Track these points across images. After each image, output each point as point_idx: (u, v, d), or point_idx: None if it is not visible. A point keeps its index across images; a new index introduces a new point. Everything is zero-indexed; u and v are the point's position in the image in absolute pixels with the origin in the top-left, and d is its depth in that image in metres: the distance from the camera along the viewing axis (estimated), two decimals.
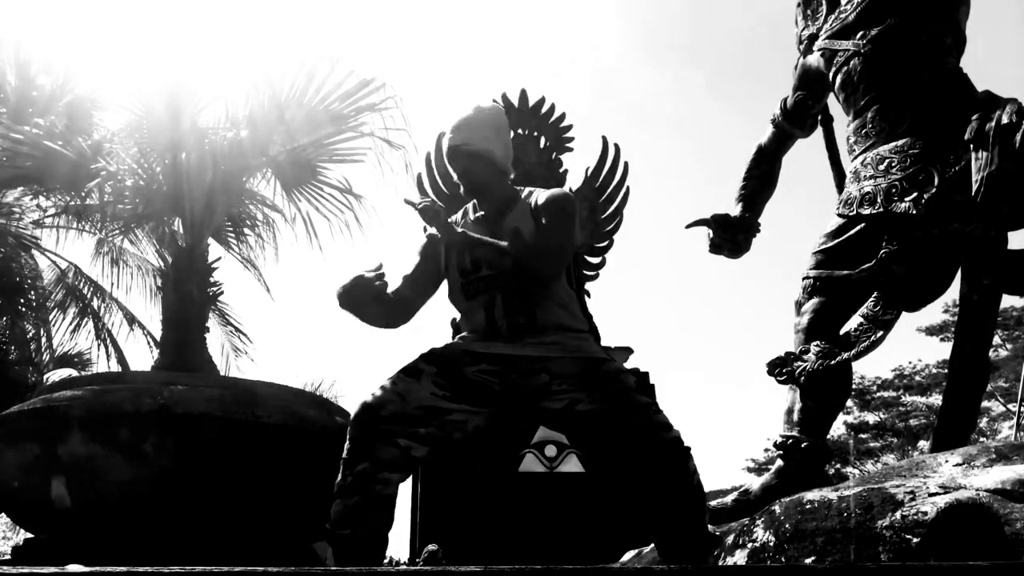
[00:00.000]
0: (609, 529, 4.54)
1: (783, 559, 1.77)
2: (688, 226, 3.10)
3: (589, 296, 5.91)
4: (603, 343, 4.86)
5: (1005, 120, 2.33)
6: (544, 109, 6.24)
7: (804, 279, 2.77)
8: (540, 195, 2.06)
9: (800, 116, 3.07)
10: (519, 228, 1.94)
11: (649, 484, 1.84)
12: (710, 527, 2.21)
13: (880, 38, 2.66)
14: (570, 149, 6.27)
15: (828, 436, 2.82)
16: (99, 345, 7.30)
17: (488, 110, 2.11)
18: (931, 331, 18.49)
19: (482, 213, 2.10)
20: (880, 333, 2.54)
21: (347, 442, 1.89)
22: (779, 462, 2.68)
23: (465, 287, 2.01)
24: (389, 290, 1.99)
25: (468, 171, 2.06)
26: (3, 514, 5.35)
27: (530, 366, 1.91)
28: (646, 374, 5.24)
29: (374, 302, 1.94)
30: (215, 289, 4.71)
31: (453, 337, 2.14)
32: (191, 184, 4.37)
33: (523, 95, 6.22)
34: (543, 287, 1.96)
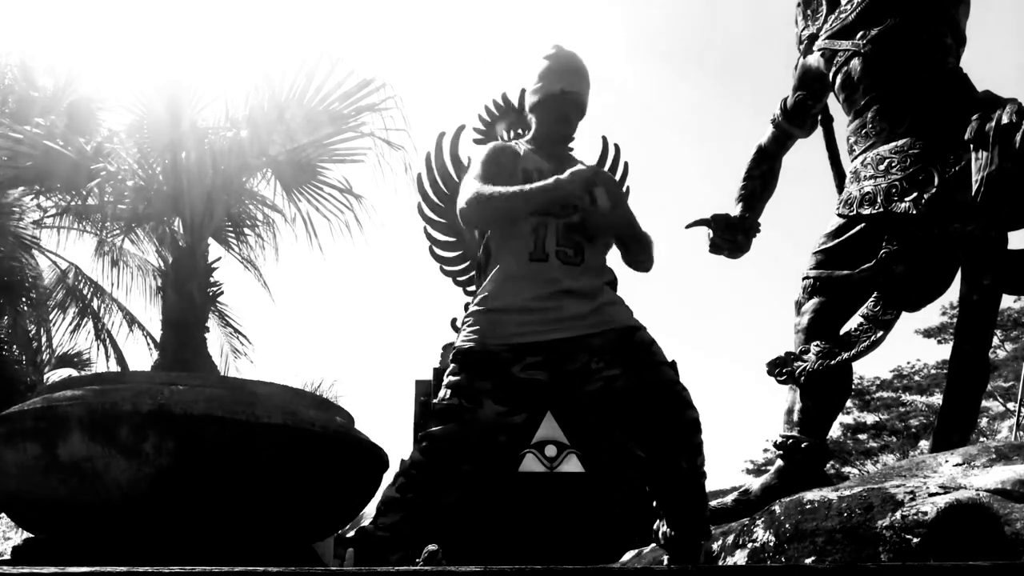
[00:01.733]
0: (609, 529, 4.54)
1: (783, 559, 1.77)
2: (688, 226, 3.09)
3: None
4: None
5: (1005, 120, 2.33)
6: None
7: (804, 279, 2.77)
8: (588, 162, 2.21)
9: (800, 116, 3.07)
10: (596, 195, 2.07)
11: (668, 459, 1.89)
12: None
13: (880, 38, 2.66)
14: (570, 149, 6.27)
15: (828, 436, 2.82)
16: (99, 345, 7.32)
17: (581, 57, 2.20)
18: (929, 333, 18.51)
19: (545, 151, 2.16)
20: (880, 333, 2.54)
21: (413, 466, 1.92)
22: (779, 462, 2.68)
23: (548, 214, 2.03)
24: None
25: (567, 119, 2.16)
26: (3, 514, 5.35)
27: (571, 347, 1.94)
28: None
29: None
30: (215, 289, 4.71)
31: (456, 330, 2.14)
32: (191, 184, 4.37)
33: (523, 95, 6.21)
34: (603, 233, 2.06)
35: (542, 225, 2.00)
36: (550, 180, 1.94)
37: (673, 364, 2.04)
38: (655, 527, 2.01)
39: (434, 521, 1.92)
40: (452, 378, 1.98)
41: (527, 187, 1.96)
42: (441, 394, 2.00)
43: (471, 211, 1.97)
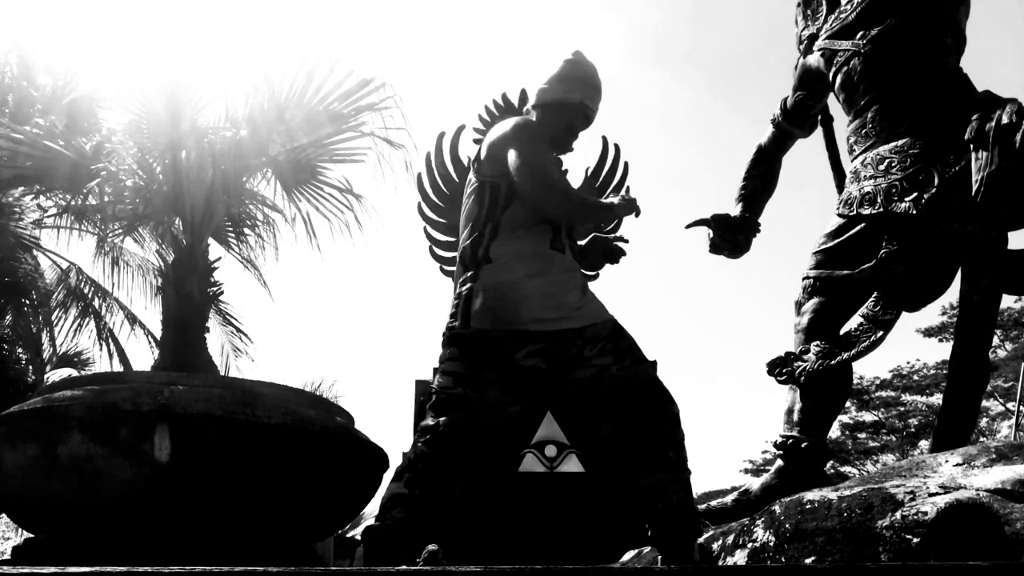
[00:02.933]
0: (609, 529, 4.54)
1: (783, 559, 1.77)
2: (688, 226, 3.09)
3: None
4: None
5: (1005, 120, 2.33)
6: None
7: (804, 279, 2.77)
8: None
9: (800, 116, 3.06)
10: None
11: (650, 453, 1.91)
12: (705, 522, 2.23)
13: (880, 38, 2.66)
14: (570, 149, 6.27)
15: (828, 436, 2.82)
16: (100, 345, 7.32)
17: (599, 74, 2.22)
18: (929, 332, 18.50)
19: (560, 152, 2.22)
20: (880, 333, 2.54)
21: (419, 459, 1.90)
22: (779, 462, 2.68)
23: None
24: None
25: (575, 131, 2.19)
26: (3, 514, 5.35)
27: (568, 337, 1.96)
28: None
29: None
30: (215, 289, 4.71)
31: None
32: (191, 184, 4.37)
33: (523, 95, 6.20)
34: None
35: (558, 223, 2.05)
36: (618, 201, 2.08)
37: (653, 364, 2.09)
38: (647, 525, 2.01)
39: (442, 515, 1.91)
40: (452, 365, 1.95)
41: (607, 203, 2.11)
42: (440, 381, 1.96)
43: (551, 202, 2.00)
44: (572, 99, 2.10)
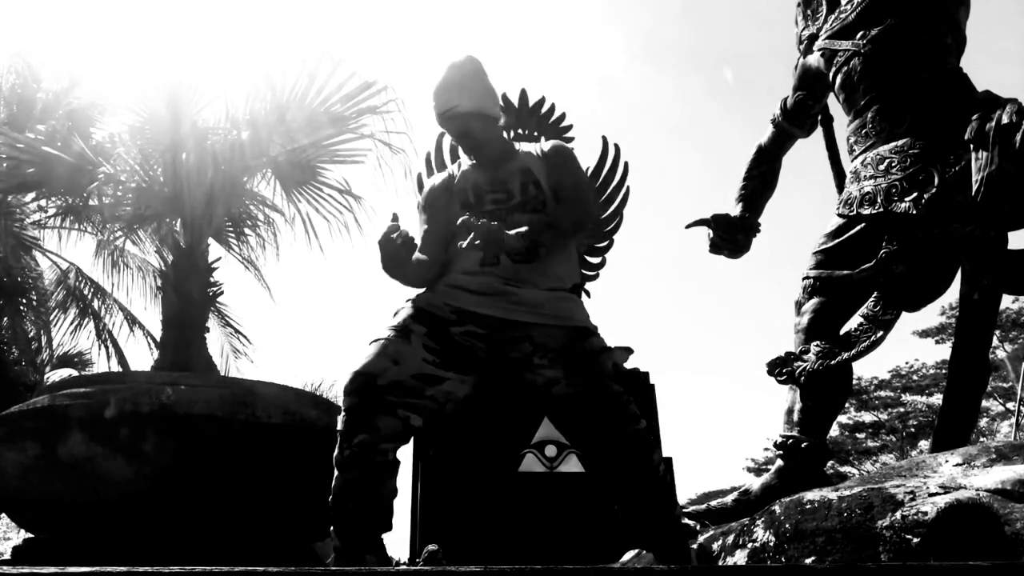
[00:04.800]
0: (609, 529, 4.54)
1: (783, 559, 1.77)
2: (688, 226, 3.09)
3: (589, 296, 5.90)
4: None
5: (1005, 120, 2.33)
6: (544, 109, 6.24)
7: (804, 279, 2.77)
8: (544, 145, 2.13)
9: (800, 116, 3.07)
10: (539, 180, 2.02)
11: (615, 473, 1.88)
12: (705, 522, 2.22)
13: (880, 38, 2.66)
14: (570, 138, 6.27)
15: (828, 436, 2.82)
16: (99, 345, 7.33)
17: (465, 64, 2.08)
18: (927, 334, 18.51)
19: (475, 162, 2.12)
20: (880, 333, 2.54)
21: (343, 413, 1.85)
22: (779, 462, 2.68)
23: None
24: (419, 256, 2.01)
25: (465, 133, 2.07)
26: (3, 514, 5.35)
27: (515, 333, 1.91)
28: (646, 374, 5.24)
29: (408, 258, 1.92)
30: (215, 289, 4.71)
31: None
32: (191, 185, 4.37)
33: (523, 95, 6.22)
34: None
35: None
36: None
37: (649, 387, 2.02)
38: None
39: (384, 470, 1.84)
40: (391, 320, 1.96)
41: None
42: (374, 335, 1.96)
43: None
44: (436, 116, 2.10)
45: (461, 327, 1.92)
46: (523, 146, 2.15)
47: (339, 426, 1.87)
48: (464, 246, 1.82)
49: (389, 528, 1.87)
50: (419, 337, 1.89)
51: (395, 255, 1.89)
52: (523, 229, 1.85)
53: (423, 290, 2.04)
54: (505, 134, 2.27)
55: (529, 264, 1.92)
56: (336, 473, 1.85)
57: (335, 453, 1.86)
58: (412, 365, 1.86)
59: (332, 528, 1.84)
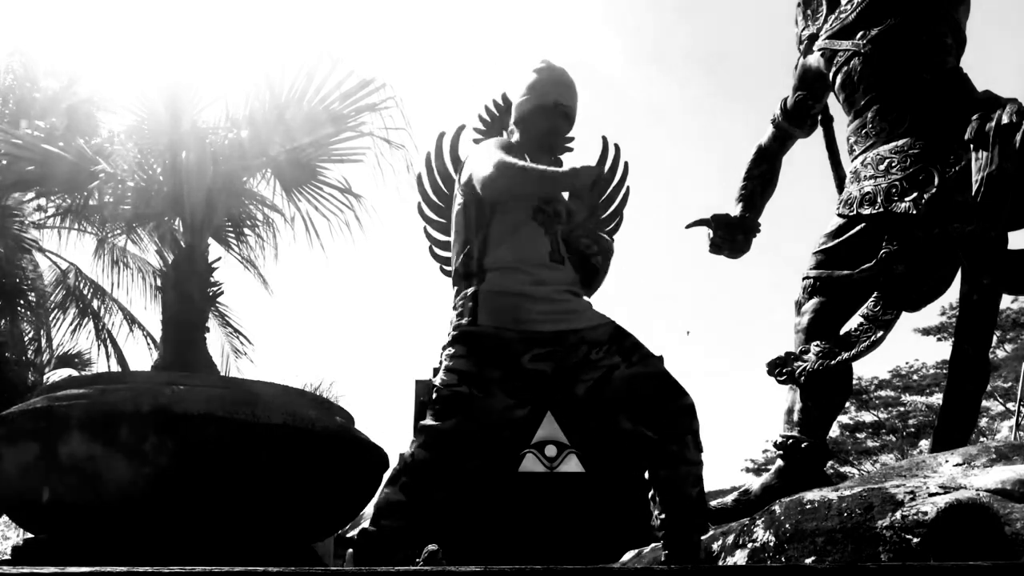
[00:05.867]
0: (609, 529, 4.54)
1: (783, 559, 1.77)
2: (688, 226, 3.09)
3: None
4: None
5: (1005, 120, 2.33)
6: None
7: (804, 279, 2.77)
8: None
9: (800, 116, 3.07)
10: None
11: (669, 445, 1.90)
12: (708, 524, 2.22)
13: (880, 38, 2.66)
14: (570, 149, 6.26)
15: (827, 436, 2.82)
16: (99, 345, 7.32)
17: (570, 73, 2.20)
18: (928, 332, 18.51)
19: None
20: (880, 333, 2.54)
21: (415, 462, 1.88)
22: (779, 462, 2.68)
23: (537, 212, 2.04)
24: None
25: (557, 131, 2.16)
26: (3, 514, 5.35)
27: (572, 340, 1.95)
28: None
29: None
30: (215, 289, 4.70)
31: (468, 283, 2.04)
32: (191, 184, 4.37)
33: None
34: None
35: (551, 228, 2.05)
36: (567, 168, 1.94)
37: (660, 358, 2.06)
38: (653, 518, 2.00)
39: (435, 519, 1.91)
40: (458, 363, 1.92)
41: (551, 169, 1.97)
42: (444, 378, 1.92)
43: (501, 177, 1.92)
44: (546, 102, 2.13)
45: (529, 353, 1.94)
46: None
47: (404, 471, 1.89)
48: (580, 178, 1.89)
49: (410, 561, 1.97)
50: (497, 384, 1.91)
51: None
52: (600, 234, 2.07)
53: (482, 307, 1.96)
54: (505, 134, 2.29)
55: (573, 267, 2.07)
56: (387, 513, 1.89)
57: (391, 494, 1.89)
58: (495, 417, 1.92)
59: (351, 554, 1.90)
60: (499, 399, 1.90)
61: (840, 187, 2.92)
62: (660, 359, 2.02)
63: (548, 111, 2.12)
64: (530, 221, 2.02)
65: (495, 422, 1.91)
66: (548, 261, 2.00)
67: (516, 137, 2.18)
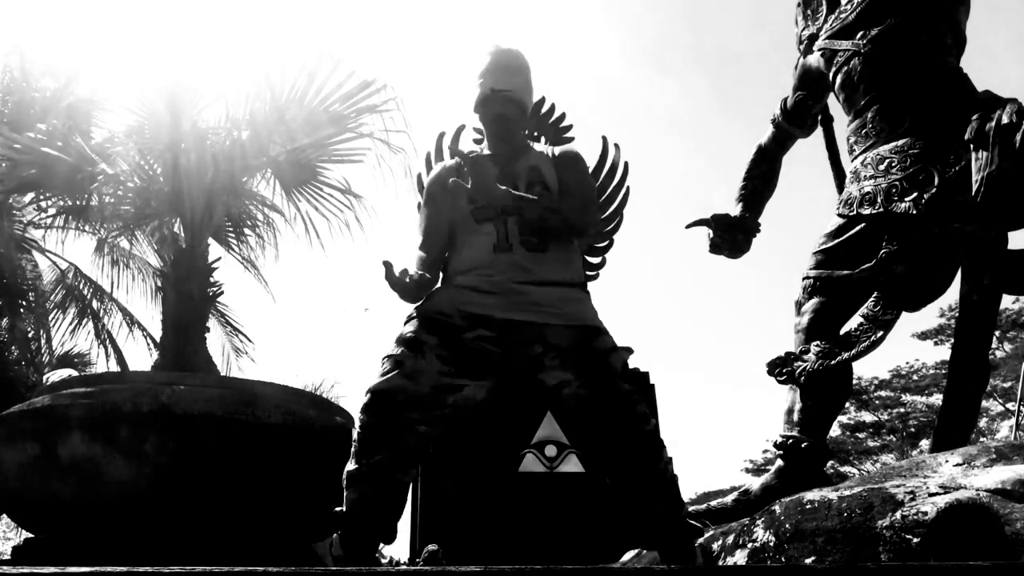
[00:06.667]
0: (609, 529, 4.54)
1: (783, 559, 1.77)
2: (688, 226, 3.09)
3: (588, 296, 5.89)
4: None
5: (1005, 120, 2.33)
6: (544, 109, 6.24)
7: (804, 279, 2.77)
8: (555, 149, 2.15)
9: (800, 116, 3.07)
10: (547, 181, 2.02)
11: (624, 473, 1.88)
12: (705, 522, 2.21)
13: (880, 38, 2.66)
14: (569, 139, 6.26)
15: (827, 436, 2.82)
16: (99, 345, 7.32)
17: (516, 54, 2.12)
18: (926, 335, 18.51)
19: (493, 153, 2.12)
20: (880, 333, 2.54)
21: (360, 430, 1.87)
22: (779, 462, 2.68)
23: (476, 212, 2.01)
24: (421, 253, 2.07)
25: (503, 117, 2.09)
26: (3, 514, 5.35)
27: (526, 334, 1.91)
28: (646, 374, 5.24)
29: (427, 287, 2.01)
30: (215, 289, 4.70)
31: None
32: (191, 184, 4.37)
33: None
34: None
35: (500, 220, 2.00)
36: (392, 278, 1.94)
37: (649, 387, 2.02)
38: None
39: (398, 489, 1.87)
40: (401, 332, 1.95)
41: (391, 281, 1.96)
42: (386, 350, 1.96)
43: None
44: (484, 90, 2.09)
45: (472, 332, 1.92)
46: (536, 146, 2.18)
47: (355, 441, 1.88)
48: (452, 184, 1.89)
49: (391, 541, 1.91)
50: (432, 349, 1.89)
51: (413, 291, 1.95)
52: (534, 198, 1.92)
53: (431, 296, 2.04)
54: None
55: (543, 252, 1.96)
56: (347, 486, 1.87)
57: (348, 467, 1.88)
58: (429, 379, 1.87)
59: (337, 537, 1.86)
60: (431, 362, 1.88)
61: (840, 187, 2.92)
62: (623, 378, 1.91)
63: (488, 99, 2.08)
64: (479, 225, 2.01)
65: (429, 384, 1.86)
66: (494, 253, 1.97)
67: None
